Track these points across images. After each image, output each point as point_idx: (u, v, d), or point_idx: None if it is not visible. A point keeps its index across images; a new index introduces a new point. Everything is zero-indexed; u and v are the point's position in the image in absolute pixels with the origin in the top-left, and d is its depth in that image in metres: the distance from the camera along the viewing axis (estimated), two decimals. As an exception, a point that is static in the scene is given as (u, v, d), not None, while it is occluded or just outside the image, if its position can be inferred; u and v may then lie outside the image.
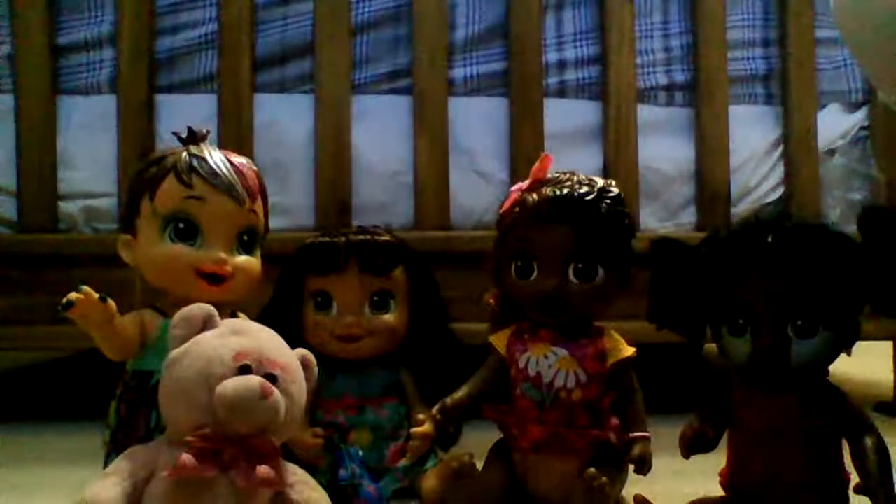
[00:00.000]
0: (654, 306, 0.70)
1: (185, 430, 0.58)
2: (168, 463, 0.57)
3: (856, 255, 0.62)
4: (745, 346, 0.64)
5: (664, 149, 1.16)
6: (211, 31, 1.12)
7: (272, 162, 1.09)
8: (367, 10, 1.14)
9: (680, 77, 1.18)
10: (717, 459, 0.69)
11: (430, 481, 0.75)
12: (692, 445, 0.67)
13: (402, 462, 0.78)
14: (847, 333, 0.64)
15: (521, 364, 0.72)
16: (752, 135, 1.18)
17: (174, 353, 0.61)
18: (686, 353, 0.70)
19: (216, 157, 0.71)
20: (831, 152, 1.19)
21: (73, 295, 0.62)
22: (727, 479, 0.69)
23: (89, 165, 1.10)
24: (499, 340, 0.75)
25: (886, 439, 0.63)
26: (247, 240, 0.72)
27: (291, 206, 1.10)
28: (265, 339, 0.63)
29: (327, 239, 0.82)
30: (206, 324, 0.62)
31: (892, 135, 1.19)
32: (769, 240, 0.62)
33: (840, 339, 0.63)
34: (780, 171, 1.19)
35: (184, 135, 0.72)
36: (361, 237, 0.82)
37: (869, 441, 0.62)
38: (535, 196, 0.71)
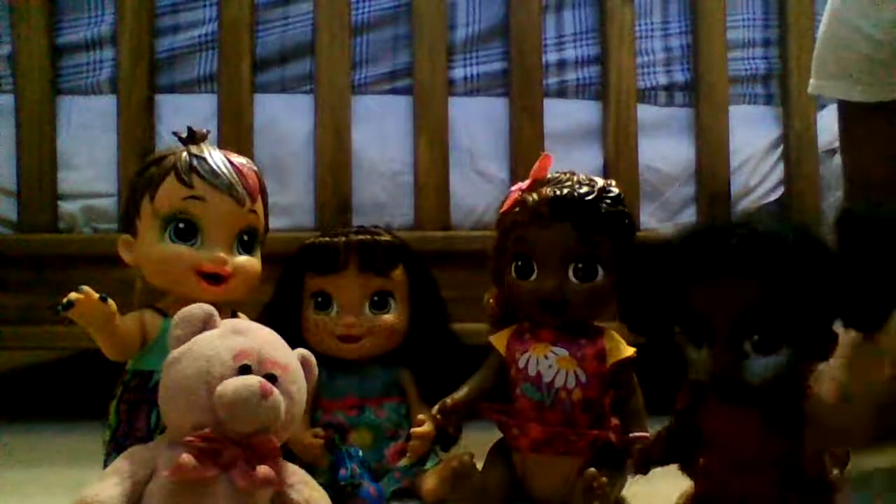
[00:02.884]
0: (623, 308, 0.66)
1: (185, 430, 0.58)
2: (168, 463, 0.57)
3: (825, 265, 0.55)
4: (704, 358, 0.58)
5: (664, 149, 1.16)
6: (211, 31, 1.12)
7: (272, 162, 1.09)
8: (367, 10, 1.14)
9: (680, 77, 1.18)
10: (716, 459, 0.69)
11: (430, 481, 0.75)
12: (642, 460, 0.65)
13: (402, 462, 0.78)
14: (815, 349, 0.57)
15: (521, 364, 0.72)
16: (752, 135, 1.18)
17: (174, 353, 0.61)
18: (656, 357, 0.66)
19: (216, 157, 0.71)
20: (831, 152, 1.19)
21: (73, 295, 0.62)
22: (695, 493, 0.65)
23: (89, 165, 1.10)
24: (499, 340, 0.75)
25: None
26: (247, 240, 0.72)
27: (291, 206, 1.10)
28: (265, 339, 0.63)
29: (327, 239, 0.82)
30: (206, 324, 0.62)
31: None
32: (726, 246, 0.56)
33: (806, 354, 0.57)
34: (780, 171, 1.19)
35: (184, 135, 0.73)
36: (361, 237, 0.82)
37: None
38: (535, 196, 0.72)
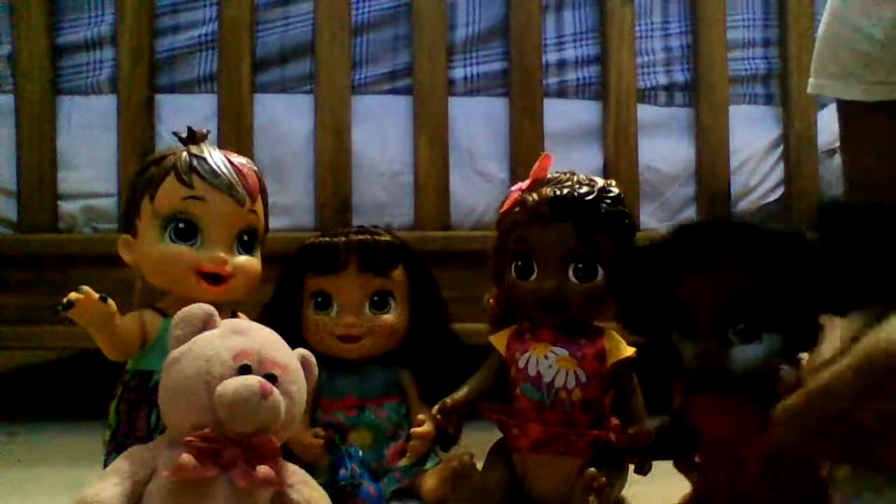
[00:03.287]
0: (619, 309, 0.67)
1: (185, 430, 0.58)
2: (168, 463, 0.57)
3: (806, 257, 0.57)
4: (692, 349, 0.60)
5: (664, 149, 1.16)
6: (211, 31, 1.12)
7: (272, 162, 1.09)
8: (367, 10, 1.14)
9: (680, 77, 1.18)
10: (717, 459, 0.69)
11: (430, 481, 0.75)
12: (637, 451, 0.65)
13: (402, 462, 0.78)
14: (800, 337, 0.57)
15: (521, 364, 0.72)
16: (752, 135, 1.18)
17: (174, 353, 0.61)
18: (654, 357, 0.67)
19: (216, 157, 0.71)
20: (831, 152, 1.19)
21: (73, 295, 0.62)
22: (693, 488, 0.65)
23: (89, 165, 1.10)
24: (499, 340, 0.75)
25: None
26: (247, 240, 0.72)
27: (291, 206, 1.10)
28: (265, 339, 0.63)
29: (327, 239, 0.82)
30: (206, 324, 0.62)
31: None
32: (710, 239, 0.59)
33: (792, 343, 0.58)
34: (780, 171, 1.19)
35: (184, 135, 0.73)
36: (361, 237, 0.82)
37: None
38: (535, 196, 0.72)
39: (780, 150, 1.19)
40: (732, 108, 1.17)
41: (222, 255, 0.70)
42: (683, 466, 0.65)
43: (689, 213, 1.17)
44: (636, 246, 0.66)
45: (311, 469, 0.68)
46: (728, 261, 0.58)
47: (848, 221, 0.56)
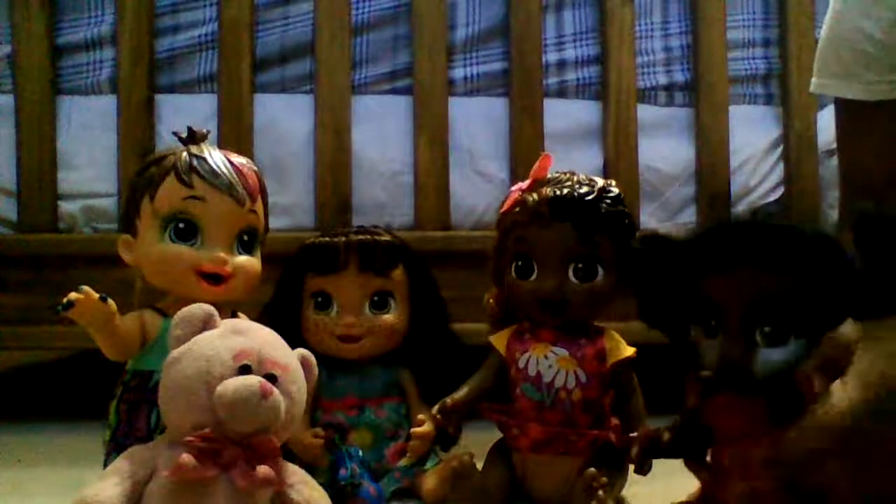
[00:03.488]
0: (641, 304, 0.67)
1: (185, 430, 0.58)
2: (168, 463, 0.57)
3: (837, 263, 0.57)
4: (716, 349, 0.59)
5: (664, 149, 1.16)
6: (211, 31, 1.12)
7: (272, 162, 1.09)
8: (367, 10, 1.14)
9: (680, 77, 1.18)
10: (717, 459, 0.69)
11: (430, 481, 0.75)
12: (648, 450, 0.65)
13: (402, 462, 0.78)
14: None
15: (521, 364, 0.72)
16: (752, 135, 1.18)
17: (174, 353, 0.61)
18: (672, 353, 0.67)
19: (216, 157, 0.71)
20: (831, 152, 1.19)
21: (73, 295, 0.62)
22: (701, 488, 0.65)
23: (89, 165, 1.10)
24: (499, 340, 0.75)
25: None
26: (247, 240, 0.72)
27: (291, 206, 1.10)
28: (265, 339, 0.63)
29: (327, 239, 0.82)
30: (206, 324, 0.62)
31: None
32: (743, 240, 0.58)
33: (816, 348, 0.58)
34: (780, 171, 1.19)
35: (184, 135, 0.73)
36: (361, 237, 0.82)
37: None
38: (535, 196, 0.72)
39: (780, 150, 1.19)
40: (732, 108, 1.17)
41: (222, 255, 0.70)
42: (693, 465, 0.65)
43: (689, 214, 1.17)
44: (665, 239, 0.65)
45: (311, 469, 0.68)
46: (760, 261, 0.57)
47: (887, 230, 0.55)
